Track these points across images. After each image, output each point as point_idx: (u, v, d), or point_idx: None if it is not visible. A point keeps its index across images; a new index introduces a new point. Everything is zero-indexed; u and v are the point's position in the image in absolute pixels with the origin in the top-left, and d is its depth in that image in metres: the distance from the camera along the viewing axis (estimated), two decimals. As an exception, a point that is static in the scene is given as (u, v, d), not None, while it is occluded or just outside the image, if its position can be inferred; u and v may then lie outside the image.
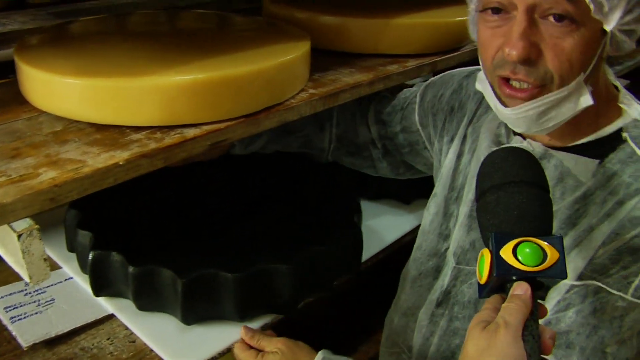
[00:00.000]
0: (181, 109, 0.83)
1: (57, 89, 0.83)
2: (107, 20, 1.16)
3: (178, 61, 0.89)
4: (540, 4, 0.83)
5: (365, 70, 1.13)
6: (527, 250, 0.73)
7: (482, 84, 0.98)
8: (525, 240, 0.74)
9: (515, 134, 1.02)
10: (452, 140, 1.19)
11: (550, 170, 0.97)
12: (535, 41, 0.85)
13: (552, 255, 0.73)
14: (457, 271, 1.10)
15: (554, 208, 0.94)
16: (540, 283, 0.75)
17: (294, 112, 0.96)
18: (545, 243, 0.74)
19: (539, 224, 0.76)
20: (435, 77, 1.31)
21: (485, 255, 0.76)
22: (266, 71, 0.90)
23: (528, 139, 0.99)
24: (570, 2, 0.81)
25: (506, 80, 0.90)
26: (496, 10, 0.88)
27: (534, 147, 0.98)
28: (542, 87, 0.88)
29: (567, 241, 0.93)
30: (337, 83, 1.05)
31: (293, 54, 0.95)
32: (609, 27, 0.84)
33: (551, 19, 0.83)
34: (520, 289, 0.73)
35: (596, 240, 0.91)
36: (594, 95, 0.90)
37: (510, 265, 0.73)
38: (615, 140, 0.94)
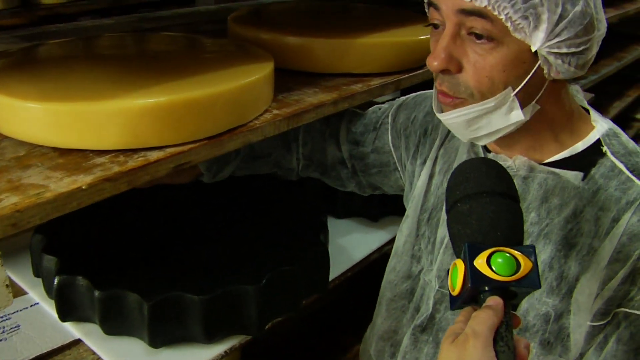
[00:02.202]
0: (144, 132, 0.83)
1: (19, 113, 0.83)
2: (72, 44, 1.16)
3: (141, 84, 0.89)
4: (464, 22, 0.88)
5: (329, 89, 1.14)
6: (500, 260, 0.74)
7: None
8: (499, 250, 0.75)
9: (489, 151, 1.04)
10: (424, 162, 1.20)
11: (534, 190, 0.98)
12: (457, 56, 0.90)
13: (525, 264, 0.73)
14: (441, 295, 1.10)
15: (545, 230, 0.96)
16: (513, 293, 0.75)
17: (257, 133, 0.96)
18: (519, 253, 0.74)
19: (511, 234, 0.77)
20: (408, 97, 1.32)
21: (459, 266, 0.76)
22: (229, 93, 0.90)
23: (513, 158, 1.00)
24: (488, 21, 0.85)
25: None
26: (436, 26, 0.94)
27: (519, 166, 0.99)
28: (464, 99, 0.92)
29: (572, 265, 0.95)
30: (301, 103, 1.06)
31: (256, 75, 0.96)
32: (534, 47, 0.86)
33: (473, 36, 0.88)
34: (493, 300, 0.73)
35: (602, 262, 0.92)
36: (550, 114, 0.95)
37: (485, 275, 0.73)
38: (595, 154, 0.96)
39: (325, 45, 1.20)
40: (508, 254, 0.74)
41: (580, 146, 0.97)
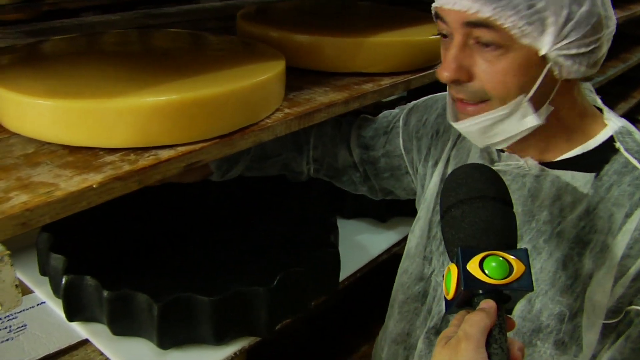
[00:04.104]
0: (155, 131, 0.82)
1: (28, 110, 0.82)
2: (80, 40, 1.15)
3: (151, 82, 0.89)
4: (471, 33, 0.88)
5: (339, 89, 1.13)
6: (493, 263, 0.75)
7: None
8: (491, 254, 0.76)
9: (502, 150, 1.03)
10: (436, 164, 1.19)
11: (546, 188, 0.98)
12: (467, 65, 0.90)
13: (518, 268, 0.74)
14: None
15: (558, 228, 0.96)
16: (507, 296, 0.76)
17: (269, 132, 0.95)
18: (511, 256, 0.75)
19: (503, 237, 0.78)
20: (419, 101, 1.31)
21: (452, 270, 0.77)
22: (241, 91, 0.89)
23: (524, 159, 1.00)
24: (494, 31, 0.85)
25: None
26: (445, 36, 0.94)
27: (530, 167, 0.99)
28: (486, 102, 0.92)
29: (586, 262, 0.94)
30: (312, 102, 1.05)
31: (268, 74, 0.95)
32: (541, 51, 0.86)
33: (481, 44, 0.88)
34: (486, 303, 0.74)
35: (616, 258, 0.92)
36: (563, 114, 0.94)
37: (478, 279, 0.74)
38: (608, 151, 0.96)
39: (336, 44, 1.19)
40: (501, 258, 0.75)
41: (592, 143, 0.97)
